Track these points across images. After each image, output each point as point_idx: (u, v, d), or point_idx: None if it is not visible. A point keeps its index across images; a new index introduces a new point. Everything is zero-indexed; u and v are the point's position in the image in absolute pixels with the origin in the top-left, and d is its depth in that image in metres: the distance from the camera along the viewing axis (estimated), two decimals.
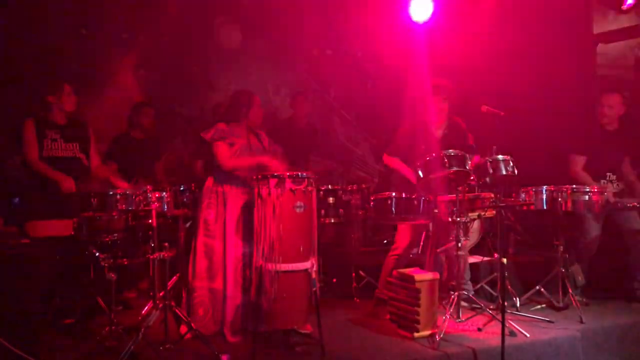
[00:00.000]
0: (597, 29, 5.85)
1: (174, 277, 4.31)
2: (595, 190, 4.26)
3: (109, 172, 4.09)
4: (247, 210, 3.73)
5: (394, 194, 3.97)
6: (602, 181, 4.47)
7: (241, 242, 3.76)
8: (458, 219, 3.79)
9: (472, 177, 3.85)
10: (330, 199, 4.71)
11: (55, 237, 3.68)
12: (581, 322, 4.02)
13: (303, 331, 3.64)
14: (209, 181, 3.88)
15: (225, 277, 3.73)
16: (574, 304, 4.16)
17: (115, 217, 3.51)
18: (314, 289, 3.53)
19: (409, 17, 6.57)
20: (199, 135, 4.97)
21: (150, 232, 3.67)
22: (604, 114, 4.63)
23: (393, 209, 3.91)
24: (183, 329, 3.69)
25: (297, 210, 3.40)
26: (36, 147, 3.71)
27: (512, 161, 4.00)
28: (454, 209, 3.82)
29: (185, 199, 4.30)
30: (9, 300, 2.90)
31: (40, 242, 3.49)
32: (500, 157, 4.01)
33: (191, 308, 3.78)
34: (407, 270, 3.89)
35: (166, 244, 3.62)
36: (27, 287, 2.96)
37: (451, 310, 3.83)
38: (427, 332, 3.69)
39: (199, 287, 3.79)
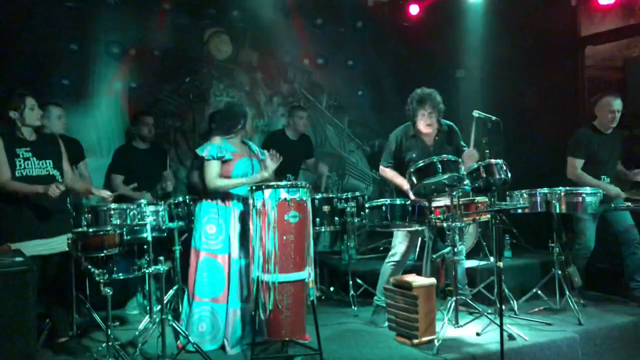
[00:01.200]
0: (585, 31, 5.91)
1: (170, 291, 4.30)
2: (589, 191, 4.27)
3: (85, 184, 3.99)
4: (245, 221, 3.73)
5: (388, 200, 3.98)
6: None
7: (242, 254, 3.75)
8: (453, 224, 3.79)
9: (466, 182, 3.86)
10: (326, 208, 4.71)
11: (49, 255, 3.64)
12: (579, 323, 4.03)
13: (301, 341, 3.62)
14: (208, 195, 3.86)
15: (228, 290, 3.72)
16: (571, 305, 4.16)
17: (110, 232, 3.48)
18: (312, 298, 3.52)
19: (399, 22, 6.65)
20: (193, 149, 5.00)
21: (146, 246, 3.66)
22: (614, 118, 4.59)
23: (388, 215, 3.90)
24: (180, 343, 3.66)
25: (292, 220, 3.40)
26: (8, 166, 3.52)
27: (505, 165, 4.02)
28: (449, 213, 3.82)
29: (179, 212, 4.28)
30: (5, 318, 2.87)
31: (35, 260, 3.46)
32: (493, 161, 4.03)
33: (190, 324, 3.74)
34: (404, 277, 3.89)
35: (161, 257, 3.61)
36: (24, 304, 2.93)
37: (449, 315, 3.82)
38: (425, 339, 3.68)
39: (199, 302, 3.76)
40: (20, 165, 3.57)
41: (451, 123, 4.33)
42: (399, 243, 4.21)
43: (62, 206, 3.69)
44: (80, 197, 4.39)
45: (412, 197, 4.01)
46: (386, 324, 4.03)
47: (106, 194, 3.86)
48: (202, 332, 3.72)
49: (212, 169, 3.74)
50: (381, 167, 4.34)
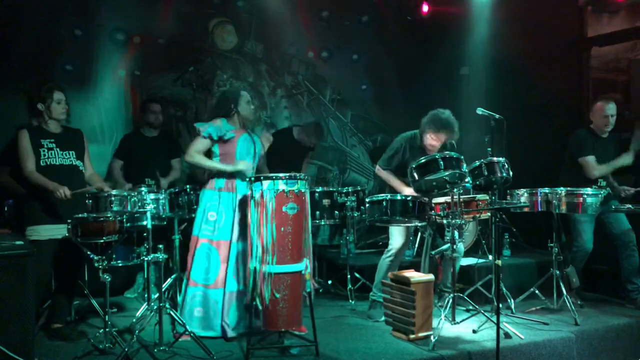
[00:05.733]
0: (591, 32, 5.88)
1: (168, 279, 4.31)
2: (590, 192, 4.27)
3: (101, 181, 4.04)
4: (245, 211, 3.74)
5: (388, 195, 3.97)
6: (594, 186, 4.48)
7: (241, 243, 3.76)
8: (453, 221, 3.79)
9: (467, 179, 3.85)
10: (326, 201, 4.71)
11: (52, 239, 3.67)
12: (576, 324, 4.03)
13: (297, 332, 3.63)
14: (210, 183, 3.89)
15: (225, 273, 3.73)
16: (568, 306, 4.16)
17: (110, 218, 3.49)
18: (309, 290, 3.53)
19: (405, 17, 6.63)
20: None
21: (145, 234, 3.67)
22: (608, 123, 4.58)
23: (388, 210, 3.90)
24: (175, 335, 3.67)
25: (290, 211, 3.40)
26: (32, 157, 3.69)
27: (506, 163, 4.02)
28: (449, 210, 3.82)
29: (180, 201, 4.28)
30: (3, 302, 2.88)
31: (35, 244, 3.47)
32: (495, 159, 4.03)
33: (187, 309, 3.77)
34: (402, 272, 3.90)
35: (161, 245, 3.61)
36: (22, 288, 2.94)
37: (446, 312, 3.83)
38: (422, 334, 3.69)
39: (195, 287, 3.79)
40: (44, 155, 3.72)
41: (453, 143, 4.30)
42: (395, 239, 4.21)
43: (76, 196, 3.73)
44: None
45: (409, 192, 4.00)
46: (383, 318, 4.05)
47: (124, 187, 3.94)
48: (199, 317, 3.74)
49: (198, 144, 3.84)
50: (378, 167, 4.34)
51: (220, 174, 3.86)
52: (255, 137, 3.98)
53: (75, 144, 3.88)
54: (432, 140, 4.12)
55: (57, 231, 3.65)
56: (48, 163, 3.72)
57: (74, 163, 3.81)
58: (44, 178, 3.64)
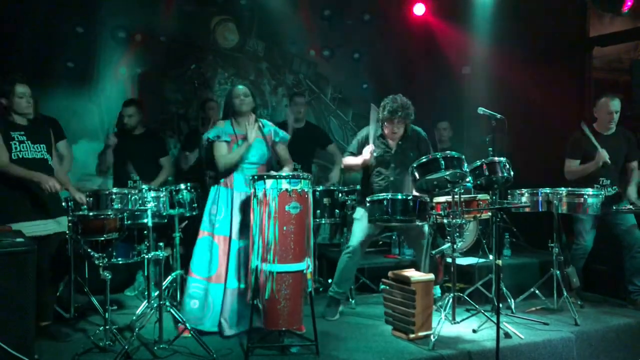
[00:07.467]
0: (593, 32, 5.88)
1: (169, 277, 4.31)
2: (591, 193, 4.26)
3: (67, 179, 3.94)
4: (246, 209, 3.74)
5: (389, 195, 3.97)
6: (596, 186, 4.47)
7: (242, 236, 3.77)
8: (454, 220, 3.79)
9: (468, 179, 3.85)
10: (326, 200, 4.71)
11: (42, 237, 3.59)
12: (576, 324, 4.03)
13: (298, 331, 3.64)
14: (216, 179, 3.94)
15: (226, 270, 3.75)
16: (568, 306, 4.16)
17: (111, 216, 3.49)
18: (309, 289, 3.53)
19: (406, 18, 6.63)
20: (192, 133, 5.01)
21: (146, 232, 3.67)
22: (612, 119, 4.57)
23: (389, 210, 3.90)
24: (179, 329, 3.68)
25: (293, 210, 3.40)
26: (5, 149, 3.53)
27: (507, 163, 4.01)
28: (450, 210, 3.82)
29: (180, 199, 4.28)
30: (3, 299, 2.88)
31: (35, 241, 3.47)
32: (496, 159, 4.03)
33: (184, 299, 3.80)
34: (402, 272, 3.90)
35: (161, 243, 3.62)
36: (23, 286, 2.94)
37: (446, 311, 3.83)
38: (422, 334, 3.69)
39: (194, 278, 3.82)
40: (16, 148, 3.57)
41: (420, 130, 4.29)
42: (355, 236, 4.20)
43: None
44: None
45: (364, 157, 4.06)
46: (336, 317, 4.14)
47: (80, 198, 3.82)
48: (194, 309, 3.76)
49: (219, 148, 3.86)
50: (343, 159, 4.37)
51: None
52: (258, 142, 3.90)
53: (45, 138, 3.74)
54: (388, 129, 4.15)
55: (35, 228, 3.51)
56: (20, 157, 3.55)
57: (44, 157, 3.68)
58: (25, 170, 3.49)
